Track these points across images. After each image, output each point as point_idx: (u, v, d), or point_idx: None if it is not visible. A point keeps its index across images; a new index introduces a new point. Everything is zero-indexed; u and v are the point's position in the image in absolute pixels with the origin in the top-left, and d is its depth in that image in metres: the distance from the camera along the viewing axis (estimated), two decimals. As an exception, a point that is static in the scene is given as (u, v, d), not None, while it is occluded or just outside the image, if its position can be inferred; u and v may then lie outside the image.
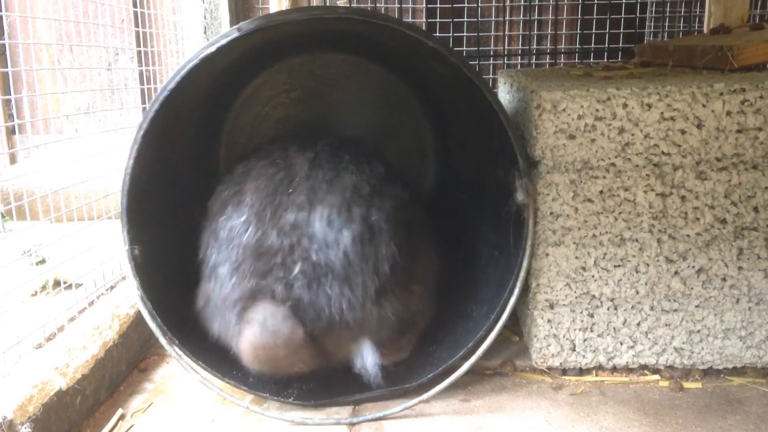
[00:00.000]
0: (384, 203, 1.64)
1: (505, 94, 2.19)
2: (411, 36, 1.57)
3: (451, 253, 2.01)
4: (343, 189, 1.62)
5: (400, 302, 1.66)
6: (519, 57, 3.40)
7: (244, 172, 1.71)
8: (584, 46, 3.32)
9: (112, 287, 2.02)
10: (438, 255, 1.83)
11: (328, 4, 3.31)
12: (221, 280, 1.62)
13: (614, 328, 1.77)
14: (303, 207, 1.59)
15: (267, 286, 1.56)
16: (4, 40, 2.85)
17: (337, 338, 1.61)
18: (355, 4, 3.29)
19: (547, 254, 1.73)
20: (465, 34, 3.32)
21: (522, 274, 1.69)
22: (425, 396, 1.66)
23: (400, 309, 1.66)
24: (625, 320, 1.76)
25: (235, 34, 1.53)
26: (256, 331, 1.53)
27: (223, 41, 1.53)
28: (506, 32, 3.39)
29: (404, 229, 1.66)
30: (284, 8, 2.82)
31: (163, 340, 1.65)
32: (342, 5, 3.29)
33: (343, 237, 1.56)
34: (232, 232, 1.61)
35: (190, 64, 1.54)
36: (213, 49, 1.53)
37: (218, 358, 1.68)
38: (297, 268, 1.56)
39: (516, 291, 1.69)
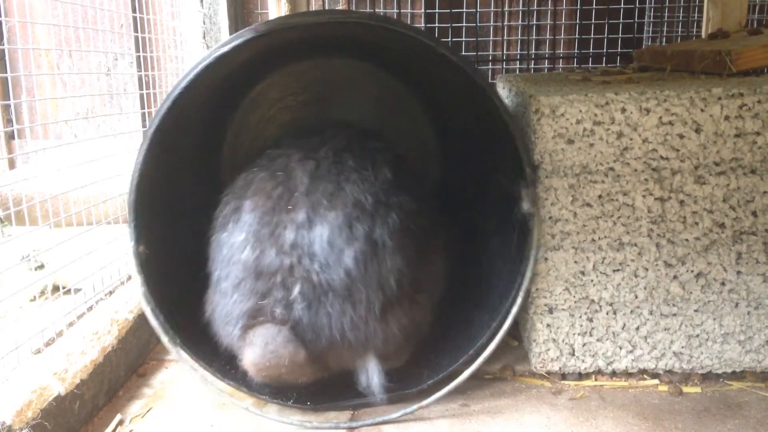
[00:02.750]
0: (389, 215, 1.60)
1: (503, 98, 2.19)
2: (423, 43, 1.57)
3: (455, 259, 2.01)
4: (344, 204, 1.57)
5: (407, 316, 1.64)
6: (517, 62, 3.41)
7: (244, 185, 1.68)
8: (582, 51, 3.33)
9: (111, 292, 2.02)
10: (445, 261, 1.80)
11: (326, 8, 3.32)
12: (223, 295, 1.62)
13: (613, 333, 1.77)
14: (303, 225, 1.55)
15: (267, 306, 1.55)
16: (3, 45, 2.85)
17: (340, 356, 1.61)
18: (353, 9, 3.29)
19: (546, 259, 1.73)
20: (463, 39, 3.33)
21: (525, 283, 1.68)
22: (425, 402, 1.66)
23: (407, 323, 1.63)
24: (624, 325, 1.76)
25: (251, 35, 1.52)
26: (257, 353, 1.53)
27: (238, 41, 1.52)
28: (505, 37, 3.40)
29: (410, 238, 1.63)
30: (283, 13, 2.83)
31: (164, 339, 1.65)
32: (342, 9, 3.30)
33: (345, 256, 1.53)
34: (232, 250, 1.60)
35: (204, 63, 1.53)
36: (228, 48, 1.52)
37: (219, 359, 1.68)
38: (296, 289, 1.53)
39: (518, 300, 1.68)
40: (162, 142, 1.64)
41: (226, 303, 1.61)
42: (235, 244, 1.60)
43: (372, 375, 1.61)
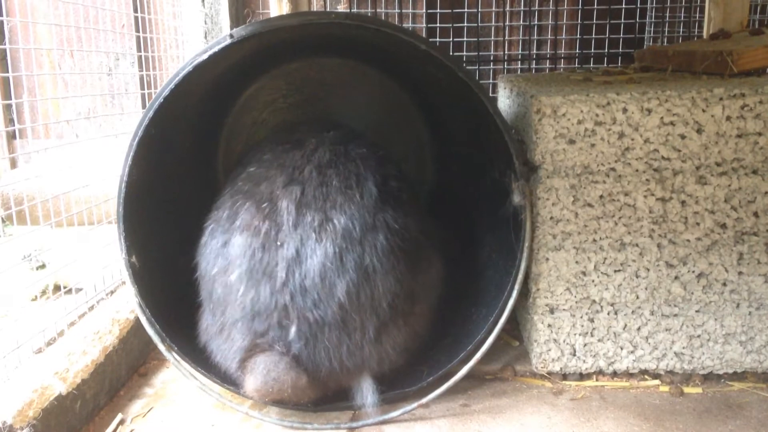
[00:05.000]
0: (377, 238, 1.59)
1: (505, 99, 2.20)
2: (404, 40, 1.57)
3: (452, 258, 2.01)
4: (333, 236, 1.56)
5: (402, 333, 1.65)
6: (519, 62, 3.40)
7: (230, 215, 1.65)
8: (584, 51, 3.32)
9: (112, 292, 2.02)
10: (442, 263, 1.80)
11: (328, 9, 3.32)
12: (219, 330, 1.63)
13: (614, 333, 1.77)
14: (293, 261, 1.55)
15: (264, 343, 1.56)
16: (4, 44, 2.85)
17: (338, 379, 1.62)
18: (355, 9, 3.29)
19: (547, 259, 1.73)
20: (465, 39, 3.33)
21: (520, 276, 1.69)
22: (425, 400, 1.66)
23: (401, 340, 1.66)
24: (626, 325, 1.76)
25: (227, 41, 1.52)
26: (260, 381, 1.54)
27: (216, 48, 1.53)
28: (506, 37, 3.40)
29: (401, 254, 1.63)
30: (285, 13, 2.83)
31: (161, 347, 1.65)
32: (340, 11, 3.30)
33: (337, 290, 1.54)
34: (225, 288, 1.60)
35: (183, 72, 1.54)
36: (206, 56, 1.53)
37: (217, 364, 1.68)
38: (293, 330, 1.54)
39: (514, 293, 1.69)
40: (150, 149, 1.63)
41: (223, 340, 1.62)
42: (228, 283, 1.59)
43: (366, 394, 1.63)
